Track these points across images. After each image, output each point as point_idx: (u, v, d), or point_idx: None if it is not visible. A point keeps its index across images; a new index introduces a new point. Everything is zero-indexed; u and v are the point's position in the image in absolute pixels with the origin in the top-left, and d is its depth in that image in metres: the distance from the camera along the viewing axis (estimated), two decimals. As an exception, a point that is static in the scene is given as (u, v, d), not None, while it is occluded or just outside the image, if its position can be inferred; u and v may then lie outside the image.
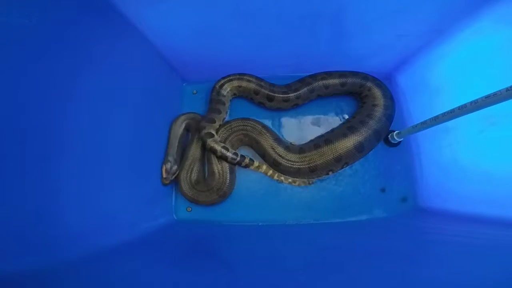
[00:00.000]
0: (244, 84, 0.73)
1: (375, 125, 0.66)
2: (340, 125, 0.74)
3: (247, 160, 0.69)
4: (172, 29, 0.60)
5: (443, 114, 0.50)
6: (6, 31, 0.33)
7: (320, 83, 0.72)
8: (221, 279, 0.39)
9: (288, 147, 0.69)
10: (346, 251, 0.48)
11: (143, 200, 0.61)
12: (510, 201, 0.48)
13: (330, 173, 0.69)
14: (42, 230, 0.37)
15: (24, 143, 0.35)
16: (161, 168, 0.67)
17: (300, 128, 0.75)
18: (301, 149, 0.69)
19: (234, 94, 0.76)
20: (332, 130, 0.73)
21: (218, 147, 0.66)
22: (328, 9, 0.56)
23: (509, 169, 0.49)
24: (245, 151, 0.73)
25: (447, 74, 0.62)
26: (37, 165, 0.37)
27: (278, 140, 0.70)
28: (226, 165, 0.68)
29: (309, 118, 0.76)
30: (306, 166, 0.66)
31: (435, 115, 0.52)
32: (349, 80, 0.72)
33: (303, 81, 0.73)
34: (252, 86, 0.73)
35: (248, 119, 0.72)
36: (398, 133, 0.68)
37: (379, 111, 0.68)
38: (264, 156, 0.70)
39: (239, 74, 0.74)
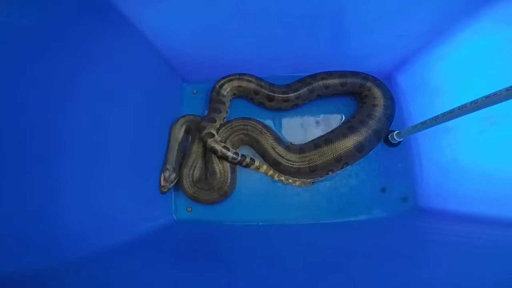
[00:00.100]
0: (244, 84, 0.73)
1: (375, 125, 0.66)
2: (340, 125, 0.74)
3: (248, 160, 0.69)
4: (172, 29, 0.60)
5: (443, 114, 0.50)
6: (6, 31, 0.33)
7: (320, 83, 0.72)
8: (221, 279, 0.39)
9: (288, 147, 0.69)
10: (346, 251, 0.48)
11: (143, 200, 0.61)
12: (510, 201, 0.48)
13: (330, 173, 0.69)
14: (42, 230, 0.37)
15: (24, 143, 0.35)
16: (160, 176, 0.66)
17: (300, 128, 0.75)
18: (301, 149, 0.69)
19: (234, 94, 0.76)
20: (332, 130, 0.73)
21: (218, 147, 0.66)
22: (328, 9, 0.56)
23: (509, 169, 0.49)
24: (246, 151, 0.73)
25: (447, 74, 0.62)
26: (37, 165, 0.37)
27: (279, 140, 0.70)
28: (227, 165, 0.68)
29: (309, 118, 0.76)
30: (306, 166, 0.66)
31: (435, 115, 0.52)
32: (349, 80, 0.72)
33: (303, 81, 0.73)
34: (252, 86, 0.73)
35: (249, 118, 0.72)
36: (398, 133, 0.68)
37: (379, 111, 0.68)
38: (264, 155, 0.70)
39: (239, 74, 0.74)
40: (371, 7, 0.55)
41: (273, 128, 0.75)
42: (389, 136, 0.70)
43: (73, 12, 0.43)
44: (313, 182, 0.70)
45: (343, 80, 0.72)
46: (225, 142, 0.69)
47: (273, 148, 0.68)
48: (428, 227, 0.59)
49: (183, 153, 0.72)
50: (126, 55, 0.56)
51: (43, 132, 0.38)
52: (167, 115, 0.73)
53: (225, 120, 0.74)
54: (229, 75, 0.74)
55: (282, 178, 0.70)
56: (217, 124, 0.70)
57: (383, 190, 0.70)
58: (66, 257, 0.38)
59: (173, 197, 0.71)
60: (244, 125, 0.71)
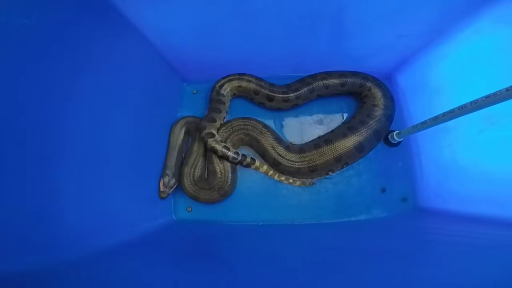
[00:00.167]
0: (244, 84, 0.73)
1: (375, 125, 0.66)
2: (340, 125, 0.74)
3: (248, 159, 0.69)
4: (172, 29, 0.60)
5: (443, 114, 0.50)
6: (6, 31, 0.33)
7: (320, 83, 0.72)
8: (221, 279, 0.39)
9: (288, 147, 0.69)
10: (346, 251, 0.48)
11: (143, 200, 0.61)
12: (510, 201, 0.48)
13: (330, 173, 0.69)
14: (42, 230, 0.37)
15: (24, 143, 0.35)
16: (159, 181, 0.66)
17: (300, 128, 0.75)
18: (301, 149, 0.69)
19: (234, 94, 0.76)
20: (332, 130, 0.73)
21: (219, 147, 0.66)
22: (328, 9, 0.56)
23: (509, 169, 0.49)
24: (246, 151, 0.73)
25: (447, 74, 0.62)
26: (37, 165, 0.37)
27: (279, 139, 0.70)
28: (227, 164, 0.68)
29: (309, 118, 0.76)
30: (306, 166, 0.66)
31: (435, 115, 0.52)
32: (349, 80, 0.72)
33: (303, 81, 0.73)
34: (252, 86, 0.73)
35: (249, 118, 0.72)
36: (398, 133, 0.68)
37: (379, 111, 0.68)
38: (264, 155, 0.70)
39: (239, 74, 0.74)
40: (371, 7, 0.55)
41: (273, 128, 0.75)
42: (389, 136, 0.70)
43: (73, 12, 0.43)
44: (313, 182, 0.70)
45: (343, 80, 0.72)
46: (225, 142, 0.69)
47: (273, 148, 0.68)
48: (428, 227, 0.59)
49: (184, 156, 0.72)
50: (126, 55, 0.56)
51: (43, 132, 0.38)
52: (167, 115, 0.73)
53: (225, 120, 0.74)
54: (229, 75, 0.74)
55: (283, 178, 0.70)
56: (217, 124, 0.70)
57: (383, 190, 0.70)
58: (66, 257, 0.38)
59: (173, 197, 0.71)
60: (244, 125, 0.71)
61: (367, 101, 0.71)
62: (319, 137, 0.72)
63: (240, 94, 0.76)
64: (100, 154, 0.48)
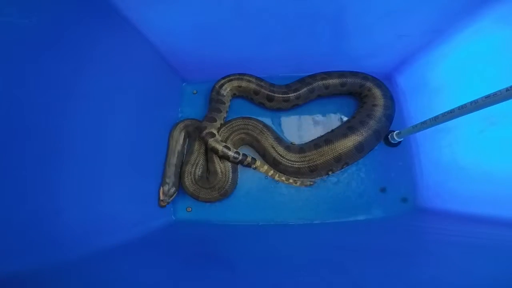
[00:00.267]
0: (244, 84, 0.73)
1: (375, 125, 0.66)
2: (340, 125, 0.74)
3: (249, 159, 0.69)
4: (172, 29, 0.60)
5: (443, 114, 0.50)
6: (6, 31, 0.33)
7: (320, 83, 0.72)
8: (221, 279, 0.39)
9: (289, 147, 0.69)
10: (346, 251, 0.48)
11: (143, 200, 0.61)
12: (510, 201, 0.48)
13: (330, 173, 0.69)
14: (42, 230, 0.37)
15: (24, 143, 0.35)
16: (159, 190, 0.65)
17: (300, 128, 0.75)
18: (301, 149, 0.69)
19: (234, 94, 0.76)
20: (332, 130, 0.73)
21: (219, 147, 0.66)
22: (328, 9, 0.56)
23: (509, 169, 0.49)
24: (246, 151, 0.73)
25: (447, 74, 0.62)
26: (37, 165, 0.37)
27: (279, 139, 0.70)
28: (228, 164, 0.68)
29: (309, 118, 0.76)
30: (306, 165, 0.66)
31: (435, 115, 0.52)
32: (349, 80, 0.72)
33: (303, 81, 0.73)
34: (252, 86, 0.73)
35: (249, 118, 0.72)
36: (398, 133, 0.68)
37: (379, 111, 0.68)
38: (264, 155, 0.70)
39: (239, 74, 0.74)
40: (371, 7, 0.55)
41: (274, 128, 0.75)
42: (389, 136, 0.70)
43: (73, 12, 0.43)
44: (313, 182, 0.70)
45: (343, 80, 0.72)
46: (225, 141, 0.69)
47: (273, 148, 0.68)
48: (428, 227, 0.59)
49: (184, 155, 0.72)
50: (126, 55, 0.56)
51: (43, 132, 0.38)
52: (167, 115, 0.73)
53: (225, 120, 0.74)
54: (229, 75, 0.74)
55: (283, 178, 0.70)
56: (218, 123, 0.70)
57: (383, 190, 0.70)
58: (66, 257, 0.38)
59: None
60: (244, 124, 0.71)
61: (367, 101, 0.71)
62: (319, 137, 0.72)
63: (240, 94, 0.76)
64: (100, 154, 0.48)
